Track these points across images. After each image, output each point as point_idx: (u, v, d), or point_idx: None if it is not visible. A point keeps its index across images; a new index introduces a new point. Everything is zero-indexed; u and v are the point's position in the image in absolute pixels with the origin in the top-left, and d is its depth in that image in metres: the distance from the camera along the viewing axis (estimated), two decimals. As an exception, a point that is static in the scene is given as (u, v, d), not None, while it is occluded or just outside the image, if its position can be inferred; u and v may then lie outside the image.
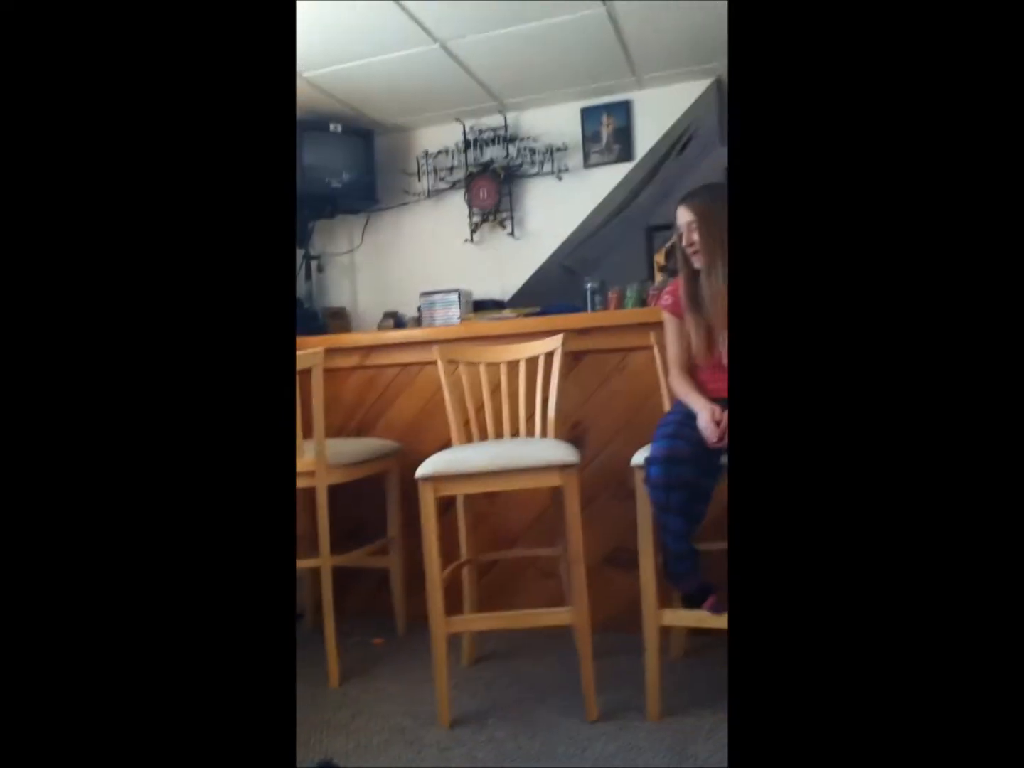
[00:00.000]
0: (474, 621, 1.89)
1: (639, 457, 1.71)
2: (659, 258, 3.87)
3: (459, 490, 1.82)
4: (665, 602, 1.70)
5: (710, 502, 1.67)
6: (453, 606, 1.82)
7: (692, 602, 1.69)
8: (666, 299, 1.91)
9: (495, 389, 2.15)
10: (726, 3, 2.77)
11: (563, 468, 1.71)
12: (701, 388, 1.80)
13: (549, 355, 2.08)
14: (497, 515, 2.37)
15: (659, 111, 3.22)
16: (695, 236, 1.76)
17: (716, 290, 1.73)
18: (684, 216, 1.80)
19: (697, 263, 1.79)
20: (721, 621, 1.70)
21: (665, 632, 1.82)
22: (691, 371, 1.86)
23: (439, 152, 3.43)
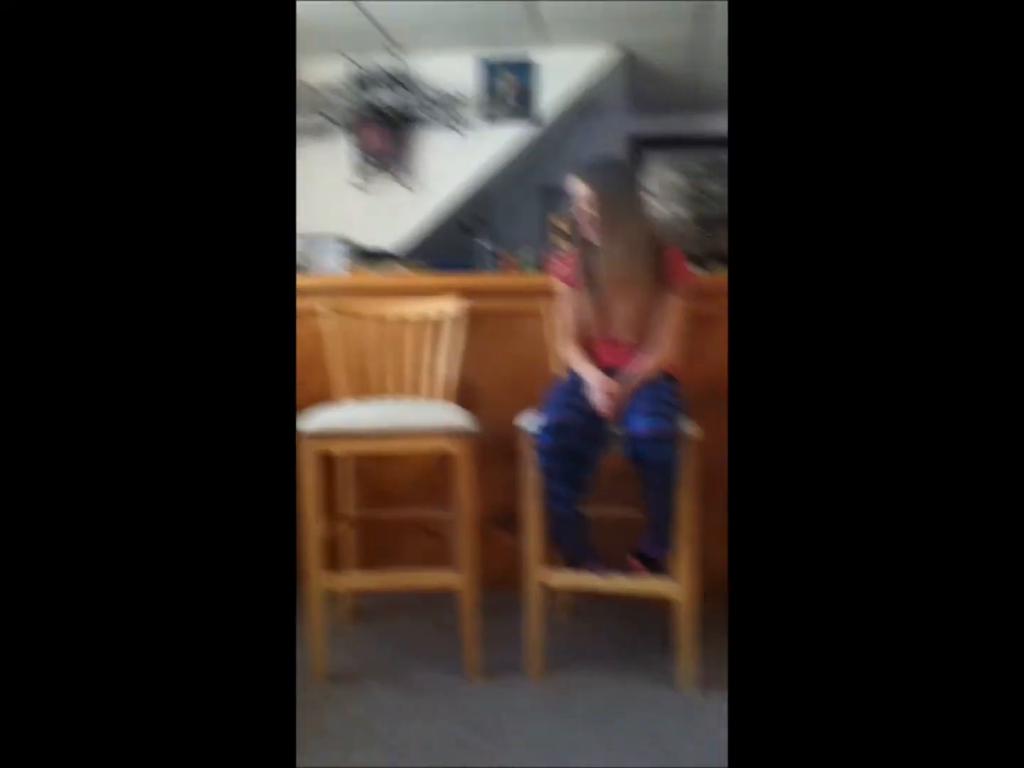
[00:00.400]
0: (354, 579, 1.83)
1: (527, 420, 1.70)
2: (562, 224, 3.88)
3: (346, 449, 1.74)
4: (550, 563, 1.72)
5: (595, 469, 1.70)
6: (333, 565, 1.75)
7: (576, 565, 1.72)
8: (563, 269, 1.90)
9: (383, 346, 2.06)
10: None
11: (458, 434, 1.68)
12: (594, 359, 1.81)
13: (445, 314, 2.01)
14: (381, 473, 2.30)
15: (564, 73, 3.18)
16: (592, 210, 1.75)
17: (612, 267, 1.74)
18: (582, 190, 1.78)
19: (592, 236, 1.78)
20: (609, 583, 1.75)
21: (551, 595, 1.85)
22: (584, 342, 1.86)
23: (325, 88, 3.20)
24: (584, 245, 1.82)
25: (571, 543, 1.71)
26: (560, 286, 1.89)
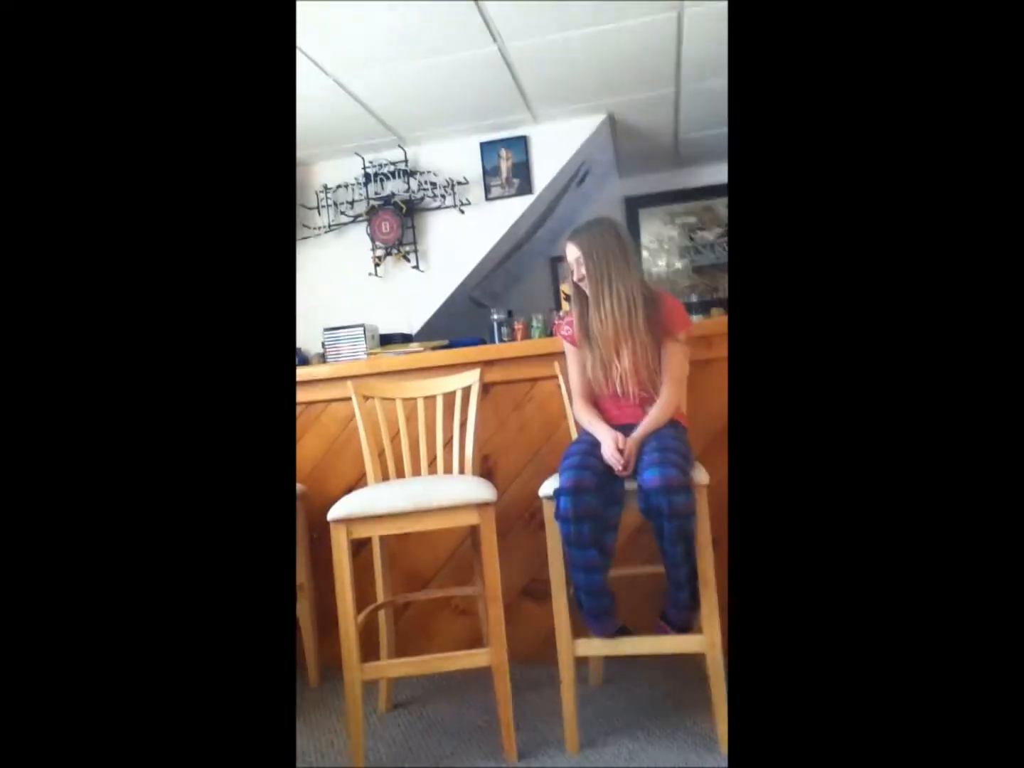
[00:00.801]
0: (389, 668, 1.84)
1: (547, 487, 1.72)
2: (565, 288, 3.98)
3: (374, 532, 1.77)
4: (580, 631, 1.71)
5: (616, 531, 1.70)
6: (367, 651, 1.76)
7: (597, 633, 1.69)
8: (565, 329, 1.95)
9: (408, 425, 2.13)
10: (612, 44, 2.89)
11: (480, 506, 1.70)
12: (604, 416, 1.84)
13: (466, 390, 2.08)
14: (409, 554, 2.33)
15: (555, 146, 3.32)
16: (583, 270, 1.82)
17: (603, 321, 1.79)
18: (572, 252, 1.85)
19: (589, 292, 1.83)
20: (636, 646, 1.73)
21: (583, 661, 1.83)
22: (593, 399, 1.90)
23: (339, 186, 3.40)
24: (581, 303, 1.88)
25: (600, 619, 1.68)
26: (566, 345, 1.95)
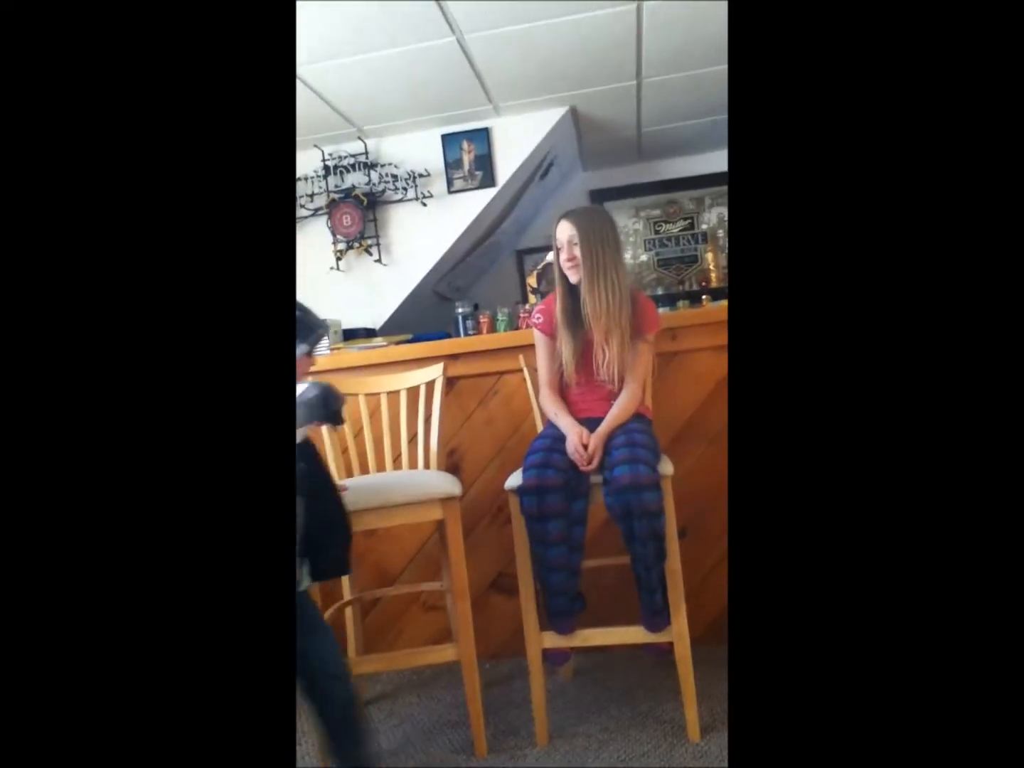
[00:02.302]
0: (357, 664, 1.82)
1: (512, 480, 1.71)
2: (531, 280, 3.98)
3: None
4: (547, 624, 1.71)
5: (585, 524, 1.70)
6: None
7: (561, 629, 1.69)
8: (536, 317, 1.90)
9: (372, 421, 2.10)
10: (573, 36, 2.88)
11: (445, 501, 1.69)
12: (571, 408, 1.83)
13: (430, 384, 2.06)
14: (376, 550, 2.31)
15: (518, 138, 3.31)
16: (576, 251, 1.77)
17: (598, 306, 1.74)
18: (565, 231, 1.79)
19: (574, 278, 1.79)
20: (605, 637, 1.74)
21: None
22: (561, 391, 1.88)
23: (298, 179, 3.34)
24: (565, 287, 1.82)
25: (563, 619, 1.68)
26: (536, 334, 1.90)
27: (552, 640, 1.69)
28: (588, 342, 1.79)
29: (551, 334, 1.86)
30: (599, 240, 1.76)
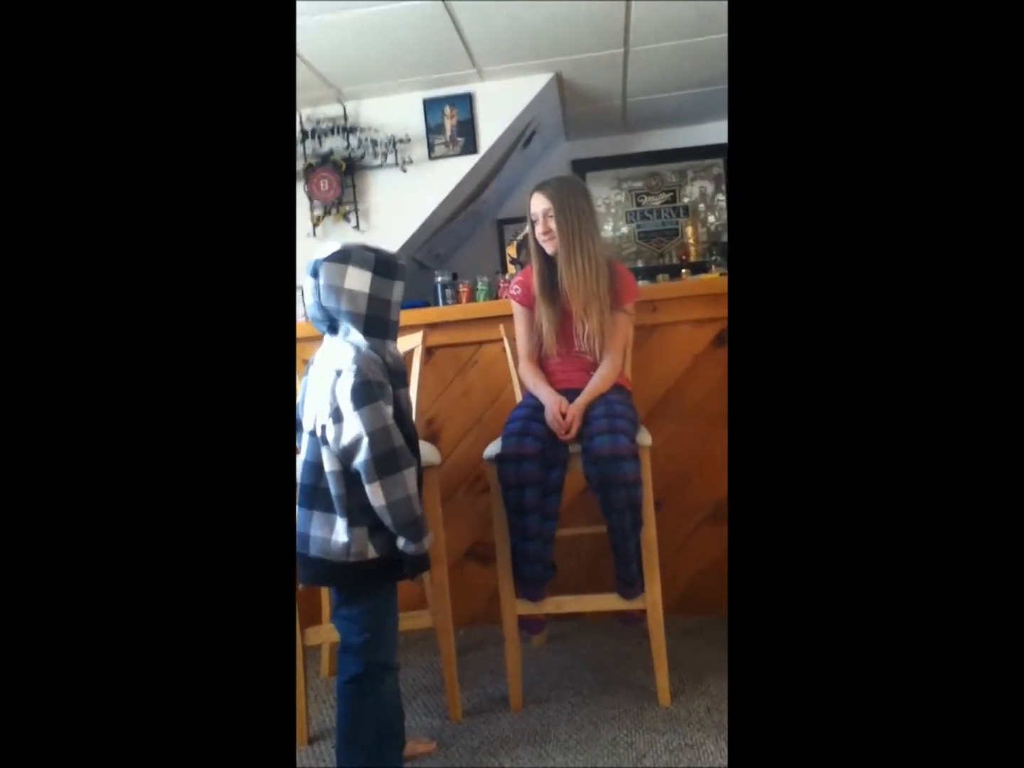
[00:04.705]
0: (332, 632, 1.82)
1: (491, 449, 1.72)
2: (511, 251, 3.94)
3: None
4: (519, 591, 1.73)
5: (561, 494, 1.71)
6: (309, 617, 1.74)
7: (532, 597, 1.71)
8: (514, 289, 1.89)
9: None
10: (560, 1, 2.82)
11: (424, 469, 1.68)
12: (550, 378, 1.83)
13: (408, 353, 2.04)
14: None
15: (502, 104, 3.25)
16: (551, 223, 1.76)
17: (575, 278, 1.73)
18: (540, 203, 1.78)
19: (550, 249, 1.78)
20: (579, 604, 1.77)
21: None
22: (540, 361, 1.88)
23: (276, 141, 3.25)
24: (542, 259, 1.81)
25: (534, 586, 1.69)
26: (514, 306, 1.89)
27: (527, 607, 1.71)
28: (567, 313, 1.79)
29: (529, 305, 1.85)
30: (575, 211, 1.75)
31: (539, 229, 1.79)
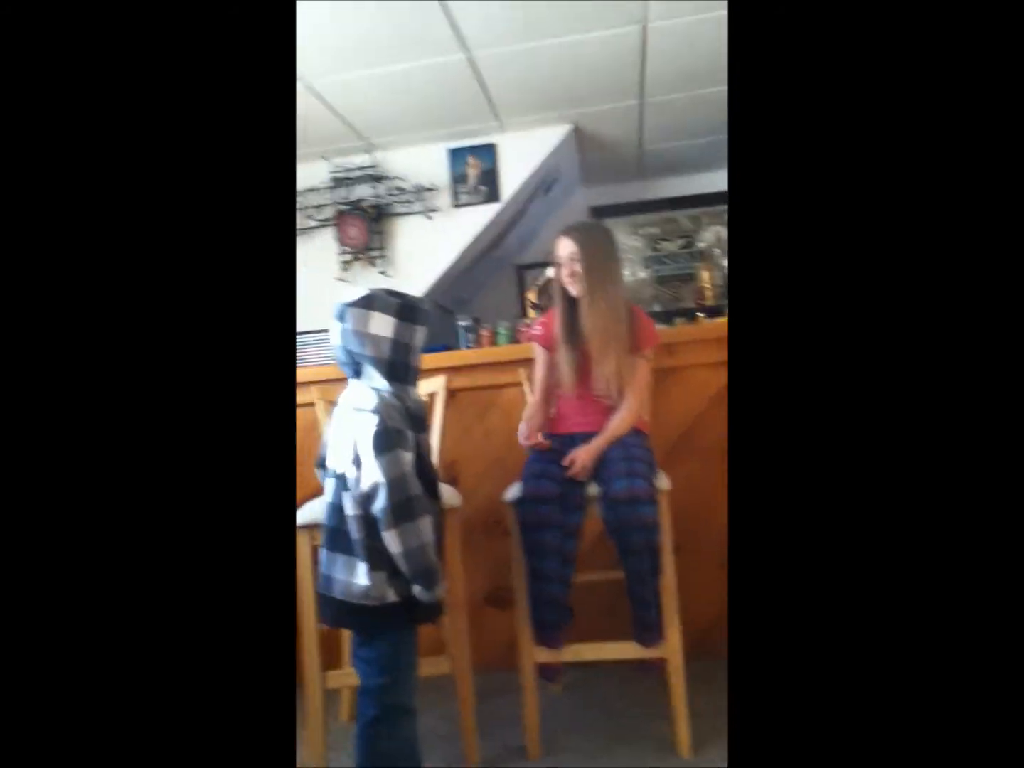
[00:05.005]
0: (351, 676, 1.82)
1: (511, 493, 1.73)
2: (531, 295, 4.01)
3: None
4: (535, 637, 1.72)
5: (580, 539, 1.71)
6: (329, 660, 1.75)
7: (549, 644, 1.70)
8: (536, 329, 1.93)
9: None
10: (578, 55, 2.92)
11: (444, 512, 1.70)
12: (564, 421, 1.86)
13: (431, 396, 2.07)
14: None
15: (523, 154, 3.35)
16: (577, 267, 1.79)
17: (596, 321, 1.76)
18: (567, 247, 1.81)
19: (575, 292, 1.81)
20: (598, 651, 1.75)
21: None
22: (551, 403, 1.90)
23: (307, 190, 3.38)
24: (565, 302, 1.84)
25: (551, 633, 1.69)
26: (535, 347, 1.92)
27: (545, 655, 1.70)
28: (586, 355, 1.82)
29: (549, 347, 1.89)
30: (600, 256, 1.79)
31: (564, 272, 1.82)
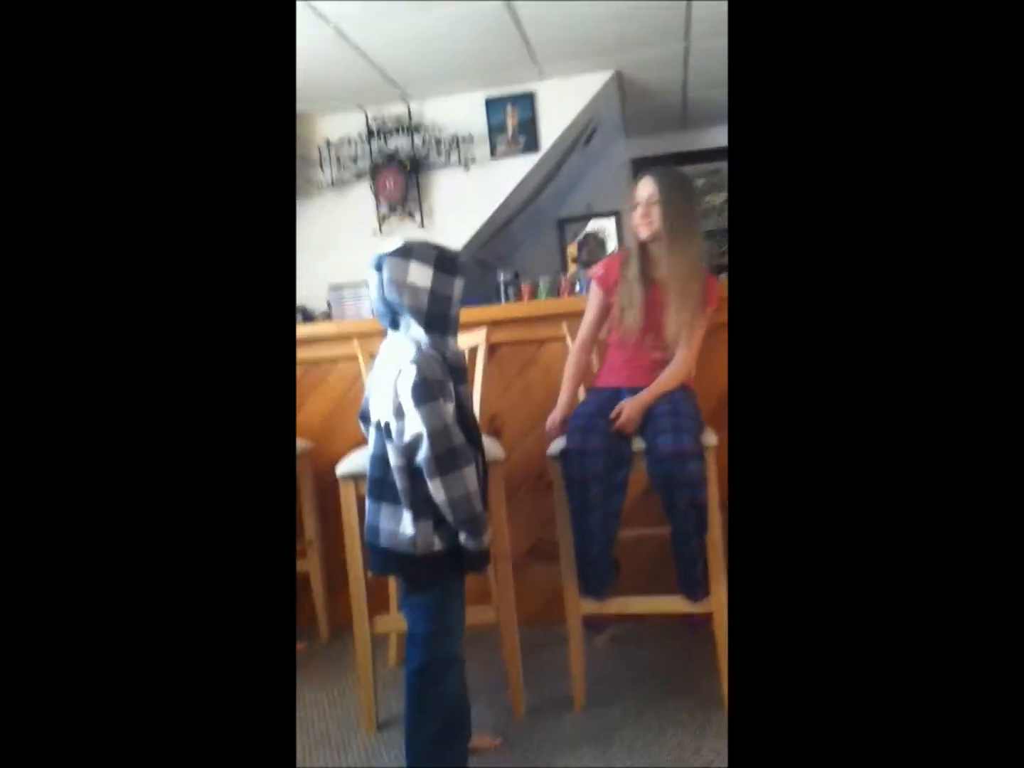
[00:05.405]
0: (398, 621, 1.85)
1: (555, 447, 1.71)
2: (572, 250, 3.93)
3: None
4: (583, 590, 1.72)
5: (625, 493, 1.69)
6: (378, 606, 1.78)
7: (597, 597, 1.71)
8: (598, 270, 1.88)
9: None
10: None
11: (489, 465, 1.69)
12: (608, 372, 1.84)
13: (472, 349, 2.05)
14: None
15: (562, 103, 3.25)
16: (654, 209, 1.73)
17: (677, 268, 1.72)
18: (646, 189, 1.76)
19: (645, 234, 1.76)
20: (644, 605, 1.75)
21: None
22: (594, 348, 1.89)
23: (342, 141, 3.33)
24: (639, 247, 1.80)
25: (598, 586, 1.70)
26: (592, 286, 1.88)
27: (591, 606, 1.70)
28: (653, 303, 1.76)
29: (607, 289, 1.83)
30: (680, 201, 1.75)
31: (639, 212, 1.77)
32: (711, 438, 1.64)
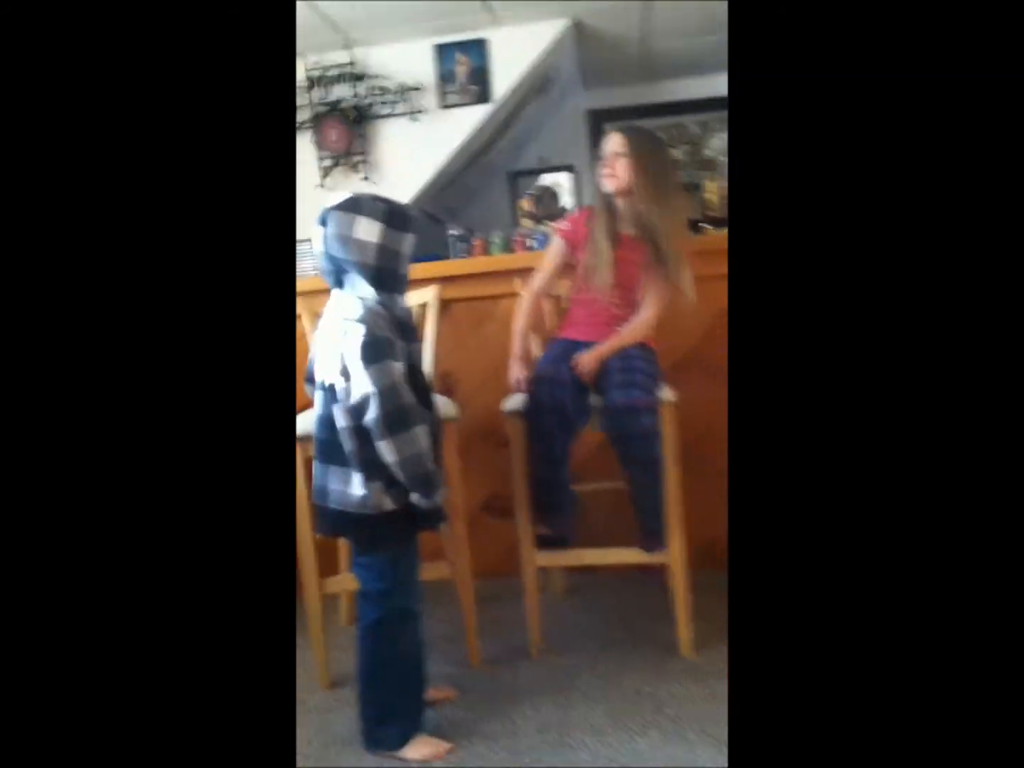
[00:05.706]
0: (349, 581, 1.83)
1: (511, 403, 1.70)
2: (524, 204, 3.86)
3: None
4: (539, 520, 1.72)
5: (575, 437, 1.70)
6: (327, 566, 1.75)
7: (559, 544, 1.72)
8: (565, 225, 1.87)
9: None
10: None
11: (442, 423, 1.67)
12: (570, 326, 1.83)
13: (422, 307, 2.00)
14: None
15: (517, 51, 3.15)
16: (620, 162, 1.71)
17: (661, 224, 1.70)
18: (614, 144, 1.73)
19: (610, 186, 1.73)
20: (599, 556, 1.76)
21: (544, 573, 1.85)
22: (540, 301, 1.89)
23: (283, 89, 3.17)
24: (607, 201, 1.77)
25: (553, 508, 1.72)
26: (556, 239, 1.86)
27: (547, 559, 1.71)
28: (620, 260, 1.74)
29: (575, 245, 1.81)
30: (651, 158, 1.72)
31: (605, 168, 1.74)
32: (667, 394, 1.64)
